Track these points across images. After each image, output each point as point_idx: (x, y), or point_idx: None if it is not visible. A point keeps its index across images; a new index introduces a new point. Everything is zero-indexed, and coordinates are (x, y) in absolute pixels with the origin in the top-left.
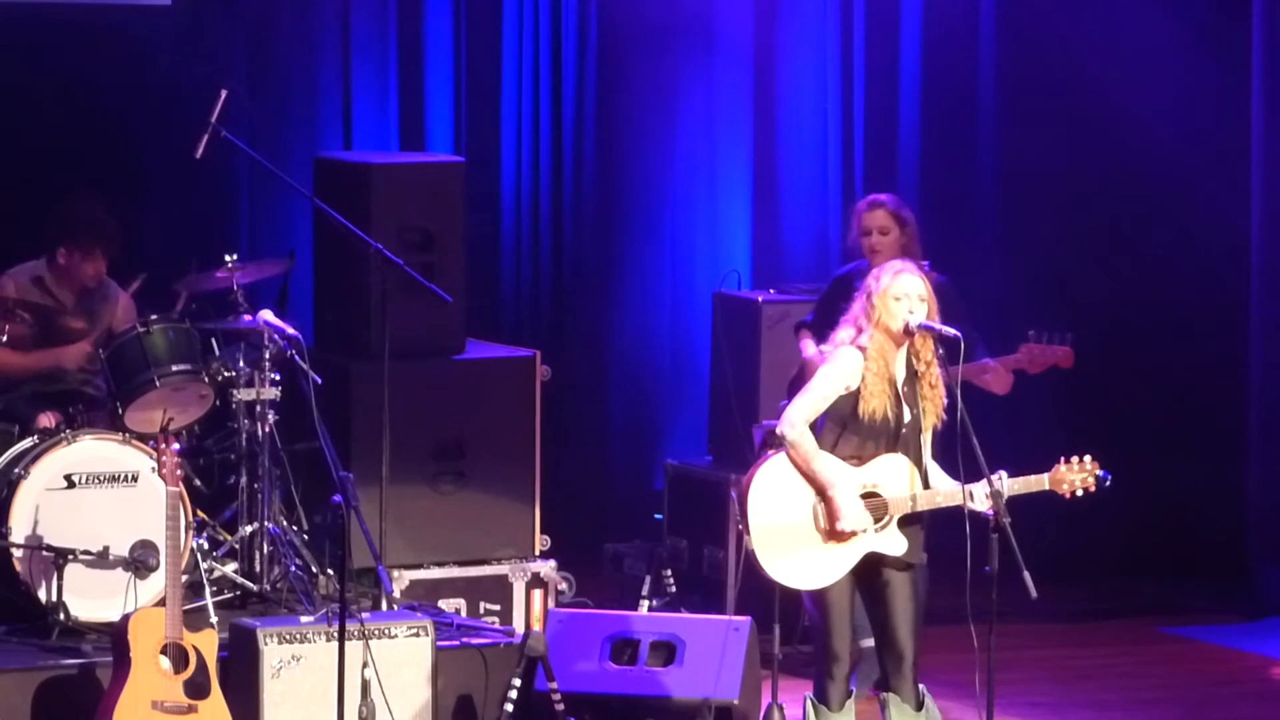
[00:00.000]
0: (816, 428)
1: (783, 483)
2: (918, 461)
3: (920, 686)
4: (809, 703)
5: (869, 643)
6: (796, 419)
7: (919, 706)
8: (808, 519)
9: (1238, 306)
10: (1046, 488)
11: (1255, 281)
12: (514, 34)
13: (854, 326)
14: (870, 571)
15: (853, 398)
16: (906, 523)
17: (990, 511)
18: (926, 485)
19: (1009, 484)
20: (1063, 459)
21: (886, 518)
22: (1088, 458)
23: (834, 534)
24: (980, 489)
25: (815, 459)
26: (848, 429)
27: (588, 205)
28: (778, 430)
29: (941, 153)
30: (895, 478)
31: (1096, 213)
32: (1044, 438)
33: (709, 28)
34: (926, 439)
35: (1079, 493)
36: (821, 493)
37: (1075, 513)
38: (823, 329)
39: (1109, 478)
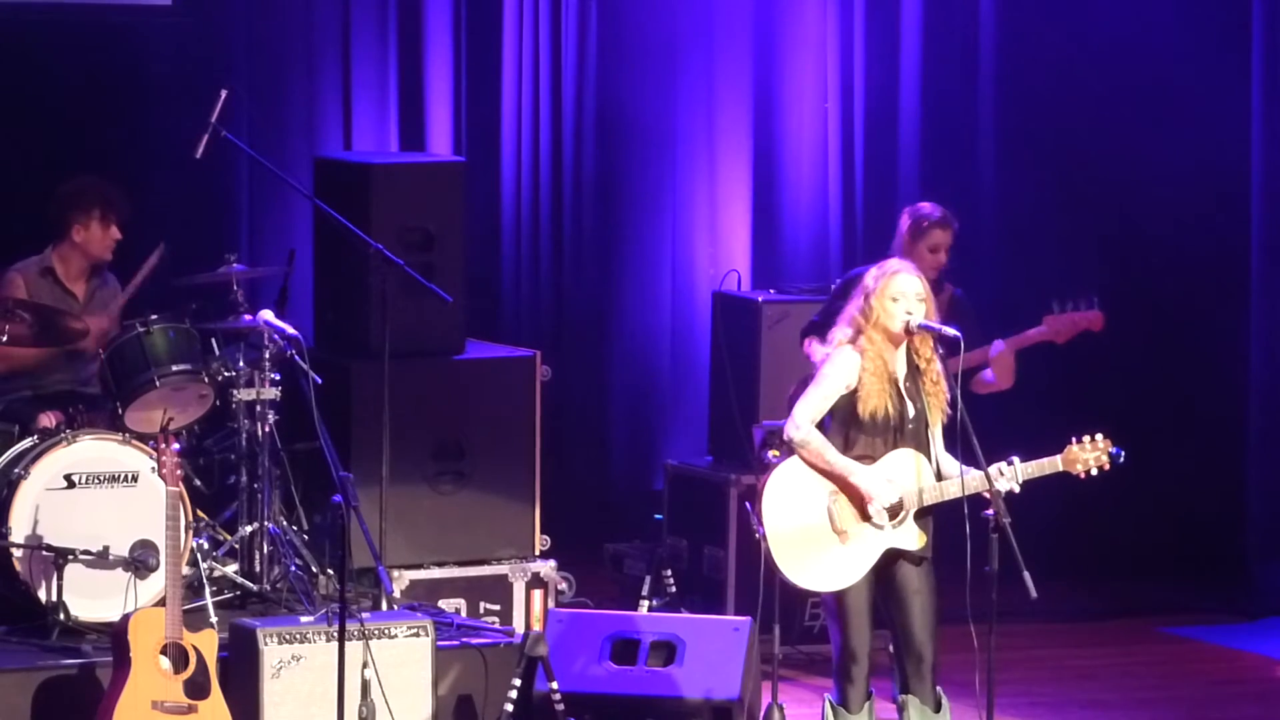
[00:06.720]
0: (824, 431)
1: (794, 488)
2: (929, 455)
3: (939, 689)
4: (827, 704)
5: None
6: (801, 421)
7: (937, 708)
8: (823, 521)
9: (1238, 307)
10: (1060, 469)
11: (1255, 281)
12: (514, 34)
13: (851, 326)
14: (886, 572)
15: (853, 398)
16: (920, 516)
17: (990, 512)
18: (940, 478)
19: (1021, 468)
20: (1074, 439)
21: (902, 513)
22: (1099, 435)
23: (853, 528)
24: (993, 475)
25: (828, 451)
26: (853, 430)
27: (588, 205)
28: (784, 436)
29: (942, 153)
30: (905, 472)
31: (1097, 213)
32: (1042, 439)
33: (709, 28)
34: (935, 433)
35: (1093, 472)
36: (843, 482)
37: (1075, 512)
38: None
39: (1122, 454)
